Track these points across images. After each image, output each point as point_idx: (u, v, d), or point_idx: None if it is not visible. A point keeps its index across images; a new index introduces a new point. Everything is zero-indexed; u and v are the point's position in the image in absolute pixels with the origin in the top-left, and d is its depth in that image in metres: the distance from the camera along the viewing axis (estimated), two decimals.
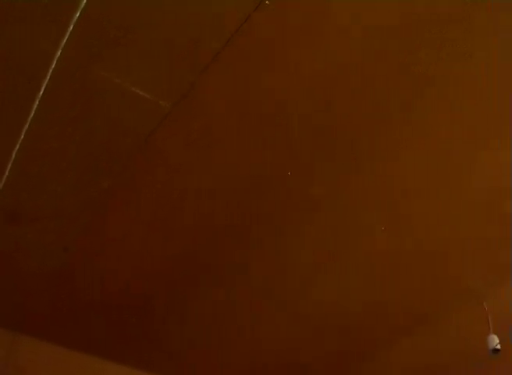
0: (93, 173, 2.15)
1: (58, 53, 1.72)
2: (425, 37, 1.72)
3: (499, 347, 2.68)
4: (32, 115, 1.92)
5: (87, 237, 2.44)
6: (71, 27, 1.65)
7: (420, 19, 1.66)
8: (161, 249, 2.53)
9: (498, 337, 2.71)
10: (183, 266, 2.63)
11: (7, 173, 2.14)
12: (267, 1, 1.62)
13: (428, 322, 3.08)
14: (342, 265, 2.64)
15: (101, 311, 2.91)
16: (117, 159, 2.09)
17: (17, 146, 2.03)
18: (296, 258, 2.61)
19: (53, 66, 1.75)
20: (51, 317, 2.97)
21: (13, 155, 2.07)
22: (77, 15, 1.63)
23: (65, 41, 1.69)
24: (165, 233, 2.45)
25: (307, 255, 2.58)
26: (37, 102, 1.87)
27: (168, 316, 2.97)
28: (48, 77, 1.79)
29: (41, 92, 1.84)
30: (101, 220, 2.37)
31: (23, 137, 2.00)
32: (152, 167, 2.15)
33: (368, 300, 2.87)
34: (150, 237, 2.47)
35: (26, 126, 1.96)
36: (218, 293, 2.81)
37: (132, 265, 2.63)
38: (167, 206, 2.31)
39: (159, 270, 2.65)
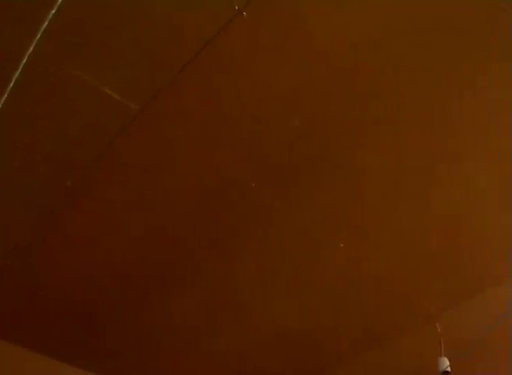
0: (60, 169, 2.13)
1: (31, 48, 1.71)
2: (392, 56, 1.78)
3: (449, 369, 2.72)
4: (0, 107, 1.90)
5: (43, 233, 2.40)
6: (46, 23, 1.65)
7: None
8: (117, 252, 2.51)
9: (449, 359, 2.74)
10: (137, 271, 2.62)
11: None
12: (244, 13, 1.66)
13: (381, 341, 3.12)
14: (299, 281, 2.67)
15: (54, 311, 2.86)
16: (84, 158, 2.08)
17: None
18: (253, 271, 2.62)
19: (24, 60, 1.74)
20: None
21: None
22: (53, 11, 1.63)
23: (39, 36, 1.68)
24: (122, 236, 2.43)
25: (265, 268, 2.59)
26: (5, 95, 1.86)
27: (121, 319, 2.93)
28: (19, 70, 1.78)
29: (11, 84, 1.83)
30: (59, 218, 2.34)
31: None
32: (117, 168, 2.14)
33: (323, 317, 2.90)
34: (106, 238, 2.45)
35: None
36: (172, 302, 2.79)
37: (87, 266, 2.59)
38: (127, 209, 2.31)
39: (114, 274, 2.63)
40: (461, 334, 3.02)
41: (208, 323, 2.93)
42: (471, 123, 1.99)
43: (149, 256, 2.53)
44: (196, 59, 1.78)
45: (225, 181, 2.18)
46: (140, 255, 2.52)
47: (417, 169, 2.15)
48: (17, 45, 1.71)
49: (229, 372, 3.33)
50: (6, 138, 2.02)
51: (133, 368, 3.35)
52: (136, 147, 2.05)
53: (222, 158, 2.10)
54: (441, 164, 2.14)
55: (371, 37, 1.73)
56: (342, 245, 2.43)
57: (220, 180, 2.18)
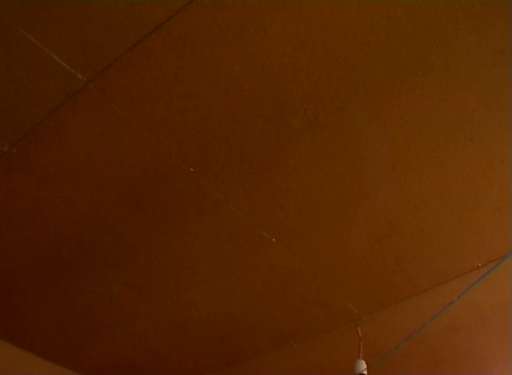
0: None
1: None
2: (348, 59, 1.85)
3: (365, 372, 2.79)
4: None
5: None
6: None
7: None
8: (47, 229, 2.47)
9: (366, 362, 2.83)
10: (64, 251, 2.58)
11: None
12: None
13: (301, 338, 3.16)
14: (227, 271, 2.68)
15: None
16: (24, 123, 2.03)
17: None
18: (180, 259, 2.62)
19: None
20: None
21: None
22: None
23: None
24: (53, 212, 2.39)
25: (192, 257, 2.60)
26: None
27: (45, 296, 2.88)
28: None
29: None
30: None
31: None
32: (57, 138, 2.10)
33: (247, 308, 2.92)
34: (37, 210, 2.39)
35: None
36: (94, 283, 2.76)
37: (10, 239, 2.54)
38: (61, 183, 2.26)
39: (36, 251, 2.59)
40: (381, 339, 3.13)
41: (128, 307, 2.91)
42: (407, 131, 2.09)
43: (77, 236, 2.49)
44: (147, 40, 1.79)
45: (164, 165, 2.18)
46: (69, 235, 2.49)
47: (353, 173, 2.22)
48: None
49: (147, 355, 3.32)
50: None
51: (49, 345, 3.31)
52: (79, 118, 2.02)
53: (163, 142, 2.10)
54: (378, 169, 2.22)
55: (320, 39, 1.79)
56: (274, 240, 2.47)
57: (159, 163, 2.17)
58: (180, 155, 2.14)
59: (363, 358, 2.87)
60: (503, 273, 2.76)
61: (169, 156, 2.14)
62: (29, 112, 2.00)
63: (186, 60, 1.85)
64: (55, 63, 1.84)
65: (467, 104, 2.00)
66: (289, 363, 3.41)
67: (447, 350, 3.45)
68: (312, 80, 1.90)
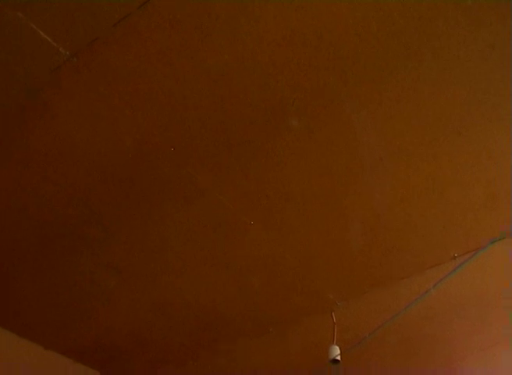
0: None
1: None
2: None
3: (338, 358, 2.83)
4: None
5: None
6: None
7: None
8: (30, 208, 2.45)
9: (340, 348, 2.86)
10: (43, 233, 2.57)
11: None
12: None
13: (279, 324, 3.20)
14: (206, 256, 2.68)
15: None
16: (3, 102, 2.00)
17: None
18: (164, 244, 2.61)
19: None
20: None
21: None
22: None
23: None
24: (37, 191, 2.36)
25: (177, 243, 2.60)
26: None
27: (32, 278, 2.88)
28: None
29: None
30: None
31: None
32: (40, 113, 2.06)
33: (227, 294, 2.93)
34: (18, 193, 2.38)
35: None
36: (79, 264, 2.75)
37: None
38: (39, 166, 2.25)
39: (20, 233, 2.57)
40: (355, 326, 3.16)
41: (110, 289, 2.91)
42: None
43: (58, 218, 2.48)
44: (132, 16, 1.75)
45: (144, 144, 2.15)
46: (51, 217, 2.47)
47: (341, 164, 2.22)
48: None
49: (128, 338, 3.32)
50: None
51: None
52: (62, 95, 1.98)
53: (148, 123, 2.07)
54: (366, 161, 2.23)
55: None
56: (252, 222, 2.46)
57: (140, 142, 2.15)
58: (165, 138, 2.12)
59: (337, 344, 2.91)
60: (479, 264, 2.79)
61: (153, 139, 2.12)
62: (11, 87, 1.96)
63: (173, 42, 1.82)
64: (38, 37, 1.80)
65: (457, 98, 2.01)
66: (266, 349, 3.44)
67: (421, 338, 3.50)
68: (302, 70, 1.89)
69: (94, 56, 1.86)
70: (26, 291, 2.97)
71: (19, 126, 2.09)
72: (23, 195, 2.38)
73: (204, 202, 2.37)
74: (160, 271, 2.76)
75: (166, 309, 3.03)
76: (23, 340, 3.38)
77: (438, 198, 2.42)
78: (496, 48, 1.86)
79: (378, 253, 2.70)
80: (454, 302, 3.15)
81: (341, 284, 2.90)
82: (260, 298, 2.97)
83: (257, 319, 3.14)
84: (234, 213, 2.42)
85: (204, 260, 2.69)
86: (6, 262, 2.74)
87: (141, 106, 2.02)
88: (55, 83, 1.94)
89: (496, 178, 2.36)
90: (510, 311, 3.29)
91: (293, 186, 2.30)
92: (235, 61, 1.86)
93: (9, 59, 1.87)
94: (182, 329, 3.21)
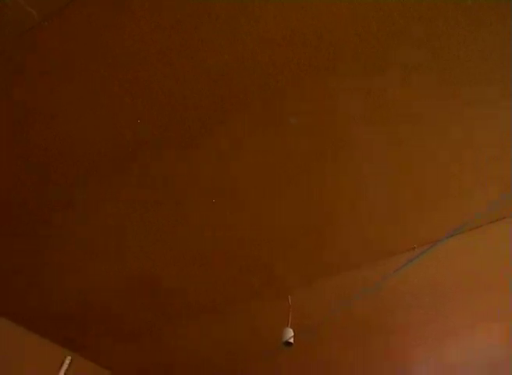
0: None
1: None
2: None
3: (292, 341, 2.84)
4: None
5: None
6: None
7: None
8: None
9: (294, 331, 2.88)
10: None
11: None
12: None
13: (234, 303, 3.19)
14: (163, 232, 2.66)
15: None
16: None
17: None
18: (119, 216, 2.58)
19: None
20: None
21: None
22: None
23: None
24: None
25: (131, 216, 2.56)
26: None
27: None
28: None
29: None
30: None
31: None
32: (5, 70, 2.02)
33: (181, 271, 2.92)
34: None
35: None
36: (36, 240, 2.76)
37: None
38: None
39: None
40: (310, 310, 3.17)
41: (67, 260, 2.89)
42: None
43: (14, 188, 2.47)
44: None
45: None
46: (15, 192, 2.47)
47: (303, 146, 2.21)
48: None
49: (84, 308, 3.28)
50: None
51: None
52: (32, 54, 1.95)
53: (107, 98, 2.04)
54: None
55: None
56: (214, 201, 2.45)
57: (106, 117, 2.12)
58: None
59: (291, 327, 2.92)
60: (437, 255, 2.81)
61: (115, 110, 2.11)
62: None
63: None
64: None
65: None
66: (220, 326, 3.43)
67: (375, 326, 3.51)
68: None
69: (65, 20, 1.83)
70: None
71: None
72: None
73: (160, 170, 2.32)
74: (123, 244, 2.72)
75: (122, 284, 3.00)
76: None
77: (398, 188, 2.42)
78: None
79: (336, 239, 2.71)
80: (410, 292, 3.16)
81: (299, 269, 2.89)
82: (212, 274, 2.94)
83: (214, 297, 3.12)
84: (189, 184, 2.37)
85: (156, 231, 2.65)
86: None
87: (101, 81, 1.97)
88: (27, 44, 1.91)
89: (457, 173, 2.36)
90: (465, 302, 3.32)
91: (251, 163, 2.28)
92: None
93: None
94: (138, 303, 3.18)
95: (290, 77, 1.90)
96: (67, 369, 3.88)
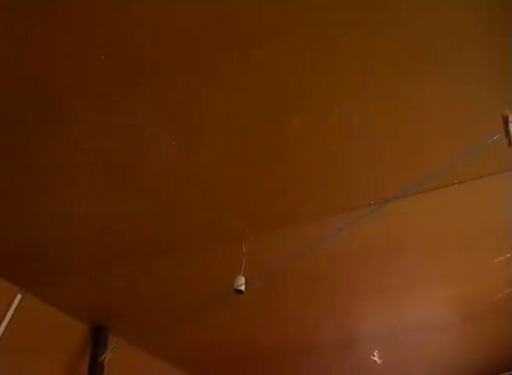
0: None
1: None
2: None
3: (242, 288, 2.86)
4: None
5: None
6: None
7: None
8: None
9: (246, 279, 2.91)
10: None
11: None
12: None
13: (186, 247, 3.19)
14: (118, 168, 2.61)
15: None
16: None
17: None
18: (69, 151, 2.49)
19: None
20: None
21: None
22: None
23: None
24: None
25: (83, 149, 2.49)
26: None
27: None
28: None
29: None
30: None
31: None
32: None
33: (136, 209, 2.87)
34: None
35: None
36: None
37: None
38: None
39: None
40: (263, 259, 3.21)
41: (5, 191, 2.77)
42: None
43: None
44: None
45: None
46: None
47: (266, 88, 2.22)
48: None
49: (23, 243, 3.18)
50: None
51: None
52: None
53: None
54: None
55: None
56: (173, 144, 2.43)
57: None
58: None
59: (243, 275, 2.94)
60: (394, 213, 2.88)
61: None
62: None
63: None
64: None
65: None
66: (171, 269, 3.42)
67: (326, 278, 3.59)
68: None
69: None
70: None
71: None
72: None
73: (120, 109, 2.29)
74: (70, 179, 2.66)
75: (71, 218, 2.92)
76: None
77: (358, 141, 2.45)
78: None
79: (293, 189, 2.74)
80: (363, 247, 3.23)
81: (254, 216, 2.92)
82: (167, 216, 2.92)
83: (164, 238, 3.10)
84: (149, 124, 2.35)
85: (111, 171, 2.62)
86: None
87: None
88: None
89: (416, 129, 2.41)
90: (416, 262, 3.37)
91: (214, 105, 2.27)
92: None
93: None
94: (84, 240, 3.13)
95: None
96: (17, 307, 3.88)
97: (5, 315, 3.62)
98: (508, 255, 3.31)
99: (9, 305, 3.72)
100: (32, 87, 2.15)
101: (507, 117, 2.05)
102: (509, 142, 2.05)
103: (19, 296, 3.80)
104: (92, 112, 2.30)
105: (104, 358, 4.09)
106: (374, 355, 4.56)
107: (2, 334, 3.57)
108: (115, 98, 2.23)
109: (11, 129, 2.35)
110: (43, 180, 2.67)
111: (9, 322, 3.61)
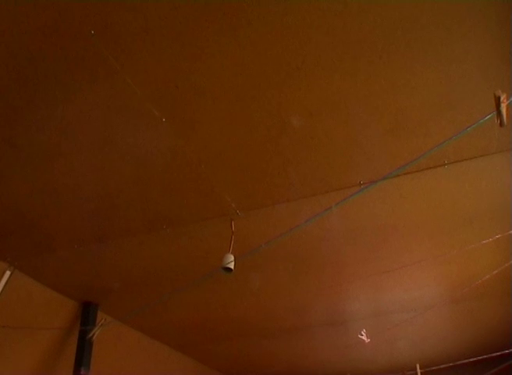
0: None
1: None
2: None
3: (231, 266, 2.85)
4: None
5: None
6: None
7: None
8: None
9: (235, 257, 2.90)
10: None
11: None
12: None
13: (175, 224, 3.17)
14: (110, 144, 2.59)
15: None
16: None
17: None
18: (64, 125, 2.47)
19: None
20: None
21: None
22: None
23: None
24: None
25: (78, 124, 2.47)
26: None
27: None
28: None
29: None
30: None
31: None
32: None
33: (125, 186, 2.86)
34: None
35: None
36: None
37: None
38: None
39: None
40: (252, 237, 3.21)
41: (3, 166, 2.75)
42: None
43: None
44: None
45: (64, 23, 2.05)
46: None
47: (257, 64, 2.20)
48: None
49: (17, 219, 3.16)
50: None
51: None
52: None
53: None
54: (282, 68, 2.22)
55: None
56: (164, 120, 2.40)
57: (59, 20, 2.04)
58: (82, 15, 1.99)
59: (232, 253, 2.93)
60: (382, 194, 2.89)
61: (72, 16, 1.99)
62: None
63: None
64: None
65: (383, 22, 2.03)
66: (160, 246, 3.42)
67: (314, 258, 3.59)
68: None
69: None
70: None
71: None
72: None
73: (112, 85, 2.27)
74: (57, 152, 2.63)
75: (58, 191, 2.91)
76: None
77: (347, 119, 2.42)
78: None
79: (283, 167, 2.72)
80: (352, 227, 3.23)
81: (243, 193, 2.90)
82: (156, 192, 2.90)
83: (151, 215, 3.09)
84: (141, 100, 2.33)
85: (103, 144, 2.58)
86: None
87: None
88: None
89: (408, 108, 2.39)
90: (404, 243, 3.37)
91: (203, 80, 2.25)
92: None
93: None
94: (72, 214, 3.10)
95: None
96: (6, 284, 3.87)
97: None
98: (497, 236, 3.31)
99: None
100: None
101: (499, 98, 2.03)
102: (500, 123, 2.04)
103: (8, 272, 3.80)
104: (80, 86, 2.28)
105: (93, 334, 4.08)
106: (362, 335, 4.59)
107: None
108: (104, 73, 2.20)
109: None
110: (30, 156, 2.65)
111: None
